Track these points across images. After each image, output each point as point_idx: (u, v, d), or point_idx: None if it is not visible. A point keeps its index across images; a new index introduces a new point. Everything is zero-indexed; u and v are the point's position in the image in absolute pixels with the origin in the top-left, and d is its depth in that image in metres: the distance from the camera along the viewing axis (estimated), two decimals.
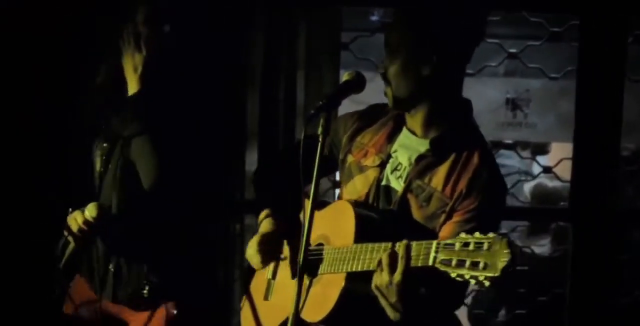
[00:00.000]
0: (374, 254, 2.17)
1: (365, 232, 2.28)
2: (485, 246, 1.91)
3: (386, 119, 2.47)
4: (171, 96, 2.72)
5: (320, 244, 2.39)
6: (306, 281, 2.35)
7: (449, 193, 2.27)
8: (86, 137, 2.93)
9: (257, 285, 2.69)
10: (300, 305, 2.25)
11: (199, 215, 3.00)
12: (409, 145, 2.38)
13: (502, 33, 4.22)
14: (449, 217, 2.28)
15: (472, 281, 1.94)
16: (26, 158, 3.50)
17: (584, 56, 3.66)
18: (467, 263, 1.92)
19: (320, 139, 2.12)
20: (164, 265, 2.74)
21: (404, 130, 2.40)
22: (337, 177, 3.03)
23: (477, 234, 1.95)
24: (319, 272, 2.35)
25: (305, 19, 3.90)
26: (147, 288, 2.70)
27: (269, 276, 2.61)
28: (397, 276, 2.05)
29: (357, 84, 2.27)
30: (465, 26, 2.33)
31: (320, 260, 2.37)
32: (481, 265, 1.89)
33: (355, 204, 2.38)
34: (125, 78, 2.70)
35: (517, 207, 4.40)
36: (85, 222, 2.64)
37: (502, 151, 4.45)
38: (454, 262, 1.94)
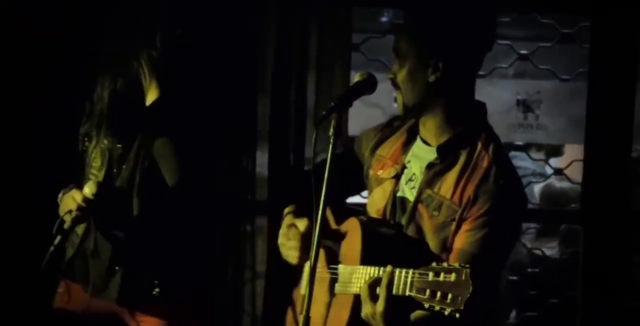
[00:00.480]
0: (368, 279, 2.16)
1: (372, 252, 2.27)
2: (453, 277, 1.90)
3: (402, 130, 2.47)
4: (182, 98, 2.73)
5: (339, 262, 2.39)
6: (327, 299, 2.37)
7: (457, 201, 2.23)
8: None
9: (298, 296, 2.70)
10: (324, 324, 2.36)
11: (210, 215, 3.02)
12: (421, 155, 2.37)
13: (513, 34, 4.22)
14: (458, 225, 2.25)
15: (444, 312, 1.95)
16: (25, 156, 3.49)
17: (595, 58, 3.67)
18: (438, 295, 1.91)
19: (331, 141, 2.11)
20: (174, 266, 2.76)
21: (418, 139, 2.39)
22: None
23: (445, 264, 1.94)
24: (335, 291, 2.35)
25: (316, 20, 3.91)
26: (157, 289, 2.71)
27: (302, 291, 2.56)
28: (380, 306, 2.04)
29: (368, 85, 2.27)
30: (474, 32, 2.32)
31: (336, 279, 2.38)
32: (449, 297, 1.89)
33: (365, 222, 2.36)
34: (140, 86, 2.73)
35: (529, 209, 4.42)
36: (85, 199, 2.67)
37: (517, 153, 4.46)
38: (427, 293, 1.93)
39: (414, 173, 2.38)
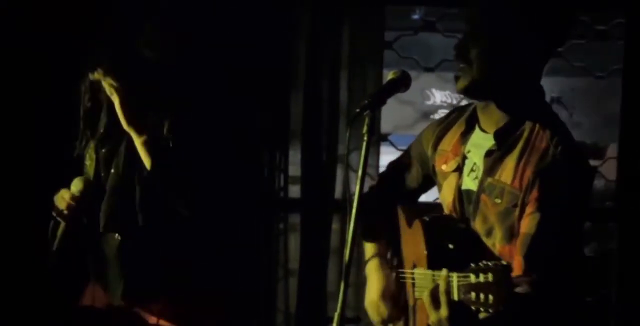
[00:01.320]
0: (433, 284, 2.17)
1: (435, 256, 2.26)
2: (490, 277, 1.88)
3: (460, 120, 2.43)
4: (215, 96, 2.75)
5: (414, 266, 2.40)
6: (412, 303, 2.41)
7: (517, 185, 2.16)
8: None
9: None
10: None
11: (242, 214, 3.02)
12: (480, 143, 2.31)
13: None
14: (522, 210, 2.18)
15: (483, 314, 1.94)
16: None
17: (630, 55, 3.65)
18: (481, 297, 1.90)
19: (365, 138, 2.10)
20: (207, 265, 2.78)
21: (476, 128, 2.35)
22: None
23: (482, 263, 1.92)
24: (416, 296, 2.36)
25: (349, 18, 3.94)
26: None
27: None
28: (443, 312, 2.03)
29: (403, 83, 2.24)
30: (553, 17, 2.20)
31: (413, 284, 2.39)
32: (491, 298, 1.87)
33: (428, 224, 2.34)
34: None
35: None
36: (73, 197, 2.68)
37: None
38: (473, 295, 1.91)
39: (474, 163, 2.33)
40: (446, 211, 2.44)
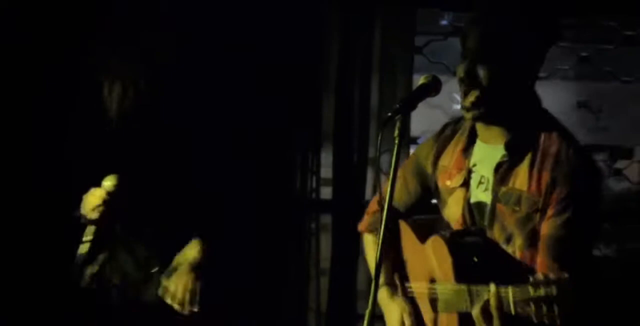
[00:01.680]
0: (473, 296, 2.17)
1: (463, 270, 2.23)
2: (554, 291, 1.88)
3: (457, 136, 2.47)
4: (247, 98, 2.76)
5: (433, 281, 2.39)
6: (432, 315, 2.41)
7: (535, 190, 2.18)
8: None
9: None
10: None
11: (274, 215, 3.05)
12: (486, 156, 2.32)
13: (574, 36, 4.17)
14: (543, 213, 2.20)
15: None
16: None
17: None
18: (544, 309, 1.89)
19: (396, 142, 2.09)
20: (240, 266, 2.78)
21: (477, 142, 2.35)
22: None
23: (541, 276, 1.91)
24: (438, 310, 2.37)
25: (380, 23, 3.91)
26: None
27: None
28: (496, 324, 2.05)
29: (433, 88, 2.24)
30: (539, 29, 2.25)
31: (436, 298, 2.38)
32: (556, 310, 1.87)
33: (449, 239, 2.31)
34: None
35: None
36: (108, 192, 2.69)
37: None
38: (532, 307, 1.92)
39: (482, 176, 2.34)
40: (454, 225, 2.44)
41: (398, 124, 2.09)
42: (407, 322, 2.57)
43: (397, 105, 2.13)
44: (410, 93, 2.28)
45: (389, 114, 2.13)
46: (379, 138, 2.30)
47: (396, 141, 2.08)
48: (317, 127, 3.83)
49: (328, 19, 3.86)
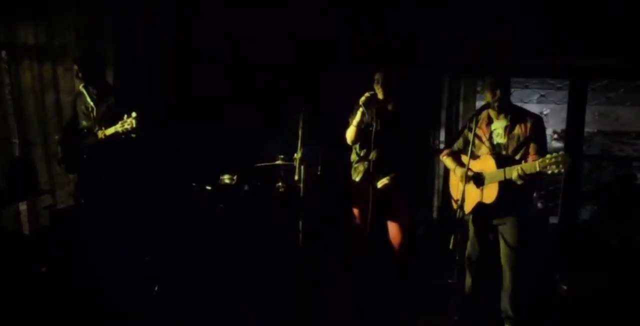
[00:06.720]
0: (507, 173, 3.76)
1: (499, 163, 3.97)
2: (560, 158, 3.36)
3: (483, 116, 4.08)
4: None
5: (482, 172, 4.00)
6: (478, 190, 4.02)
7: (524, 132, 3.88)
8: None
9: (454, 182, 4.44)
10: (481, 197, 3.95)
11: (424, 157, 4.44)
12: (498, 124, 4.11)
13: None
14: (530, 140, 3.81)
15: (552, 171, 3.45)
16: None
17: None
18: (554, 167, 3.38)
19: (472, 124, 3.87)
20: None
21: (493, 119, 4.10)
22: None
23: (550, 153, 3.25)
24: (485, 183, 4.03)
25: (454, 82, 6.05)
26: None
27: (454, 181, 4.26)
28: (521, 179, 3.64)
29: (490, 105, 4.00)
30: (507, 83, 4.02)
31: (483, 179, 4.01)
32: (561, 167, 3.35)
33: (492, 153, 4.01)
34: None
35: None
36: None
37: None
38: (549, 168, 3.39)
39: (498, 133, 4.05)
40: (481, 154, 4.04)
41: (474, 119, 3.99)
42: (458, 173, 4.18)
43: (475, 112, 4.02)
44: (478, 109, 4.15)
45: (473, 114, 3.99)
46: (473, 121, 3.93)
47: (472, 124, 3.95)
48: (439, 121, 6.28)
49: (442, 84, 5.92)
